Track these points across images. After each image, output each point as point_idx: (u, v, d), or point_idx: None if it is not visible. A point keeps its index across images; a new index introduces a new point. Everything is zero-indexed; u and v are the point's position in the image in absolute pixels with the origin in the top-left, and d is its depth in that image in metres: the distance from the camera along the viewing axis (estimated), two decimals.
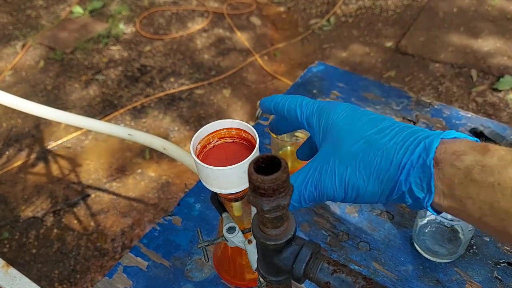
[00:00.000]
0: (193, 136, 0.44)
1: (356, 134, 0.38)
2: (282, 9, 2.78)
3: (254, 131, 0.44)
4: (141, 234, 1.60)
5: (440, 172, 0.34)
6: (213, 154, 0.46)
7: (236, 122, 0.46)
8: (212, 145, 0.46)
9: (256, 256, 0.37)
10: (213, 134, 0.46)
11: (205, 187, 0.71)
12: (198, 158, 0.43)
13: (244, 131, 0.46)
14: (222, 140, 0.47)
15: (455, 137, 0.36)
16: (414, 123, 0.81)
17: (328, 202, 0.68)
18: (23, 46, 2.60)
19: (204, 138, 0.46)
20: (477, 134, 0.77)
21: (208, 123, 0.45)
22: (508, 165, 0.32)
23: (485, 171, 0.32)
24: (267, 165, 0.27)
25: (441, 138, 0.35)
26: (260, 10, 2.77)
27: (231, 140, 0.47)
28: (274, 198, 0.26)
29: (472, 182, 0.33)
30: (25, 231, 1.66)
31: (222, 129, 0.46)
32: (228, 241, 0.47)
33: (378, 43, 2.40)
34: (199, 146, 0.45)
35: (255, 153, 0.42)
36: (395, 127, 0.38)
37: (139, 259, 0.63)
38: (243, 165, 0.40)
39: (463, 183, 0.33)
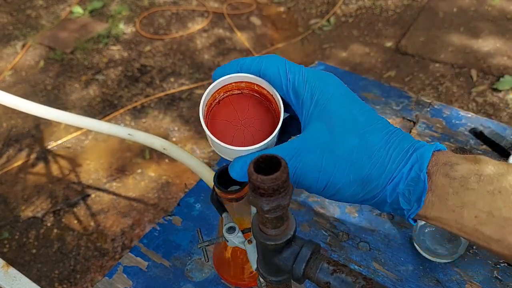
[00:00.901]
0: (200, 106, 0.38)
1: (351, 128, 0.35)
2: (282, 9, 2.78)
3: (273, 89, 0.38)
4: (141, 234, 1.60)
5: (432, 184, 0.34)
6: (221, 113, 0.39)
7: (249, 77, 0.38)
8: (217, 101, 0.40)
9: (256, 256, 0.37)
10: (219, 89, 0.39)
11: (205, 187, 0.71)
12: (205, 121, 0.38)
13: (258, 85, 0.39)
14: (229, 93, 0.40)
15: (439, 149, 0.36)
16: (414, 123, 0.81)
17: (327, 202, 0.68)
18: (23, 46, 2.60)
19: (211, 97, 0.39)
20: (477, 134, 0.77)
21: None
22: (507, 173, 0.32)
23: (483, 180, 0.33)
24: (267, 165, 0.27)
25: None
26: (260, 10, 2.77)
27: (239, 92, 0.40)
28: (274, 198, 0.26)
29: (468, 191, 0.33)
30: (25, 231, 1.66)
31: (231, 83, 0.39)
32: (228, 241, 0.47)
33: (378, 43, 2.40)
34: (206, 108, 0.39)
35: (279, 125, 0.36)
36: (389, 130, 0.36)
37: (139, 259, 0.63)
38: (269, 142, 0.36)
39: (458, 193, 0.33)
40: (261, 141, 0.37)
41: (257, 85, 0.38)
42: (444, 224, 0.35)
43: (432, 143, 0.36)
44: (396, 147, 0.35)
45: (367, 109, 0.37)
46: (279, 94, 0.38)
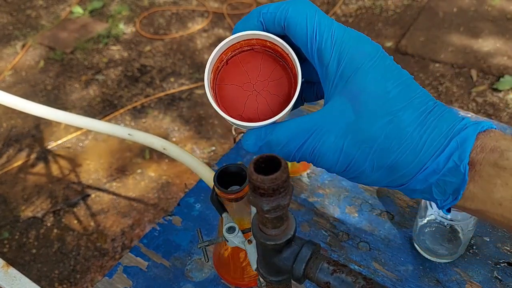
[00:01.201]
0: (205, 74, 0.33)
1: (381, 106, 0.30)
2: None
3: (289, 48, 0.32)
4: (141, 234, 1.60)
5: (476, 174, 0.29)
6: (229, 76, 0.35)
7: (260, 34, 0.33)
8: (225, 61, 0.34)
9: (256, 256, 0.37)
10: (226, 50, 0.34)
11: (205, 187, 0.71)
12: (212, 87, 0.34)
13: (271, 42, 0.33)
14: (238, 51, 0.34)
15: (487, 129, 0.30)
16: None
17: (327, 202, 0.68)
18: (23, 46, 2.60)
19: (217, 60, 0.34)
20: None
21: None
22: None
23: None
24: (267, 165, 0.27)
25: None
26: None
27: (249, 48, 0.34)
28: (274, 198, 0.26)
29: None
30: (25, 231, 1.66)
31: (239, 42, 0.34)
32: (228, 241, 0.47)
33: (378, 43, 2.39)
34: (212, 74, 0.34)
35: (295, 97, 0.32)
36: (427, 107, 0.31)
37: (139, 259, 0.63)
38: (284, 114, 0.32)
39: (508, 184, 0.28)
40: (277, 110, 0.33)
41: (270, 42, 0.33)
42: (486, 217, 0.31)
43: (477, 120, 0.31)
44: (433, 130, 0.30)
45: (403, 80, 0.31)
46: (303, 52, 0.33)
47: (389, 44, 2.38)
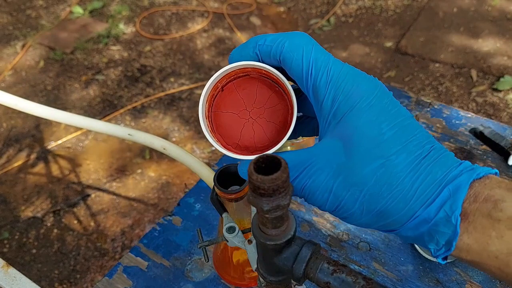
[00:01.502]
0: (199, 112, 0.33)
1: (374, 148, 0.29)
2: (282, 9, 2.78)
3: (285, 80, 0.32)
4: (141, 234, 1.60)
5: (470, 225, 0.28)
6: (225, 103, 0.34)
7: (256, 64, 0.32)
8: (220, 88, 0.34)
9: (256, 256, 0.37)
10: (221, 79, 0.34)
11: (205, 187, 0.71)
12: (208, 116, 0.33)
13: (266, 71, 0.33)
14: (233, 77, 0.34)
15: (482, 176, 0.29)
16: None
17: None
18: (23, 46, 2.60)
19: (212, 88, 0.34)
20: (477, 134, 0.77)
21: None
22: None
23: None
24: (267, 165, 0.27)
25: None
26: (260, 10, 2.77)
27: (244, 74, 0.34)
28: (274, 198, 0.26)
29: None
30: (25, 231, 1.66)
31: (234, 70, 0.34)
32: (228, 241, 0.47)
33: (378, 43, 2.40)
34: (207, 103, 0.34)
35: (293, 123, 0.32)
36: (423, 150, 0.29)
37: (139, 259, 0.63)
38: (280, 146, 0.32)
39: (503, 237, 0.27)
40: (274, 137, 0.33)
41: (265, 70, 0.33)
42: (483, 269, 0.29)
43: (472, 166, 0.29)
44: (426, 177, 0.28)
45: (399, 121, 0.30)
46: (299, 85, 0.32)
47: (389, 44, 2.38)
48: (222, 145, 0.33)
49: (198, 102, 1.92)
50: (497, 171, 0.30)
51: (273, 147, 0.32)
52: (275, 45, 0.31)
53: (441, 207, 0.28)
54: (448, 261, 0.59)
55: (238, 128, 0.34)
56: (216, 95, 0.34)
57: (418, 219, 0.28)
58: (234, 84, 0.34)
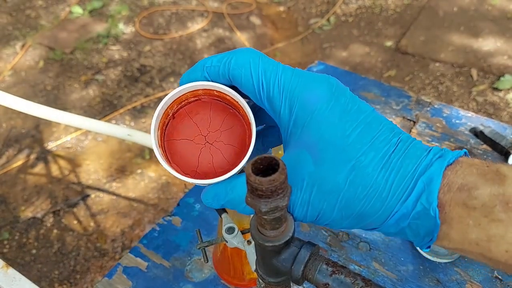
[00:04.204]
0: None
1: (343, 153, 0.28)
2: (282, 8, 2.78)
3: (238, 96, 0.31)
4: (141, 234, 1.60)
5: (447, 216, 0.28)
6: (178, 131, 0.32)
7: (205, 84, 0.31)
8: (171, 115, 0.32)
9: (255, 257, 0.37)
10: (171, 104, 0.32)
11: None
12: (161, 146, 0.31)
13: (218, 91, 0.32)
14: (184, 103, 0.32)
15: (453, 161, 0.29)
16: (414, 122, 0.80)
17: None
18: (23, 46, 2.60)
19: (163, 115, 0.32)
20: (477, 133, 0.77)
21: None
22: None
23: None
24: (265, 166, 0.27)
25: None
26: (260, 10, 2.77)
27: (195, 99, 0.32)
28: (272, 199, 0.26)
29: (494, 223, 0.27)
30: (25, 232, 1.66)
31: (184, 94, 0.32)
32: (227, 242, 0.46)
33: (378, 42, 2.40)
34: (159, 132, 0.32)
35: (251, 145, 0.30)
36: (390, 145, 0.29)
37: (139, 259, 0.63)
38: (240, 168, 0.31)
39: (480, 225, 0.27)
40: (233, 160, 0.32)
41: (216, 90, 0.31)
42: (467, 255, 0.29)
43: (442, 152, 0.29)
44: (398, 172, 0.28)
45: (363, 118, 0.29)
46: (253, 100, 0.31)
47: (389, 43, 2.38)
48: (181, 174, 0.31)
49: None
50: (466, 150, 0.30)
51: (231, 171, 0.30)
52: (222, 65, 0.31)
53: (418, 200, 0.28)
54: (448, 261, 0.59)
55: (195, 155, 0.32)
56: (168, 123, 0.32)
57: (397, 215, 0.28)
58: (185, 110, 0.32)
